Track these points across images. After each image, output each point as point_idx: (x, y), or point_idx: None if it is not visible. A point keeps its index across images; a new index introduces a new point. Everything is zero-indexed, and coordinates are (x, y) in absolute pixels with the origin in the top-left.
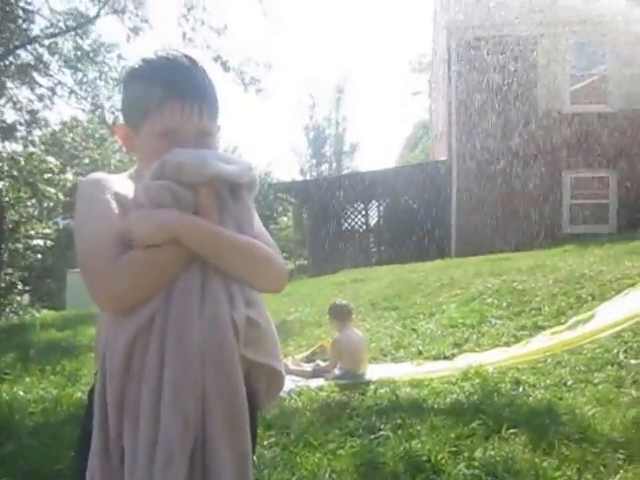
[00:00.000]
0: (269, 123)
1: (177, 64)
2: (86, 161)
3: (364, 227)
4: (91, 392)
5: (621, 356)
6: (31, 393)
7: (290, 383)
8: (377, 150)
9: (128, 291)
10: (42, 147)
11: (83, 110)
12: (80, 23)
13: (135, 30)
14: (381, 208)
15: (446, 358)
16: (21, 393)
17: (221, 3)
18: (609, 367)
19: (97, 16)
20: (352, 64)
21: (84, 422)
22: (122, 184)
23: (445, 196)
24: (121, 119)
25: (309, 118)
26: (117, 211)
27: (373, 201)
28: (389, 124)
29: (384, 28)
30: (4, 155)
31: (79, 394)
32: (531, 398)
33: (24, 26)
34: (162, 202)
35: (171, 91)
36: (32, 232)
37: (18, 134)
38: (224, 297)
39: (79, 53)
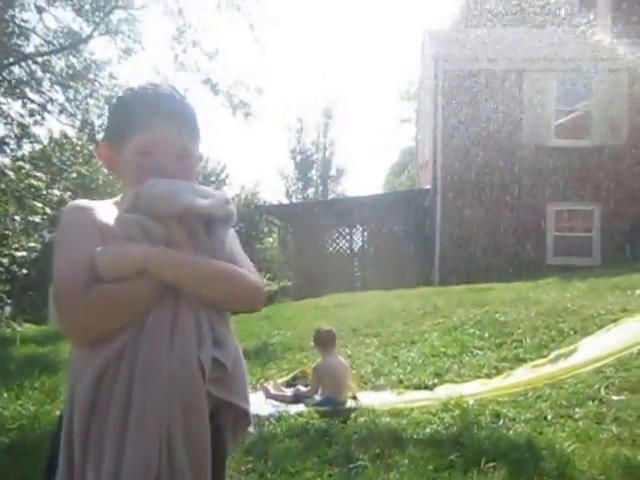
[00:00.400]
0: (257, 145)
1: (160, 90)
2: (74, 175)
3: (348, 251)
4: (59, 421)
5: (602, 392)
6: (8, 409)
7: (270, 408)
8: (363, 175)
9: (95, 324)
10: (31, 162)
11: (73, 126)
12: (73, 42)
13: (127, 51)
14: (365, 233)
15: (427, 388)
16: None
17: (213, 27)
18: (590, 402)
19: (90, 36)
20: (341, 90)
21: (50, 454)
22: (106, 212)
23: (429, 224)
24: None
25: (297, 142)
26: (95, 242)
27: (358, 226)
28: (376, 150)
29: (374, 55)
30: None
31: (57, 412)
32: (511, 431)
33: (19, 42)
34: (132, 235)
35: (153, 112)
36: (17, 245)
37: (8, 148)
38: (194, 335)
39: (71, 71)
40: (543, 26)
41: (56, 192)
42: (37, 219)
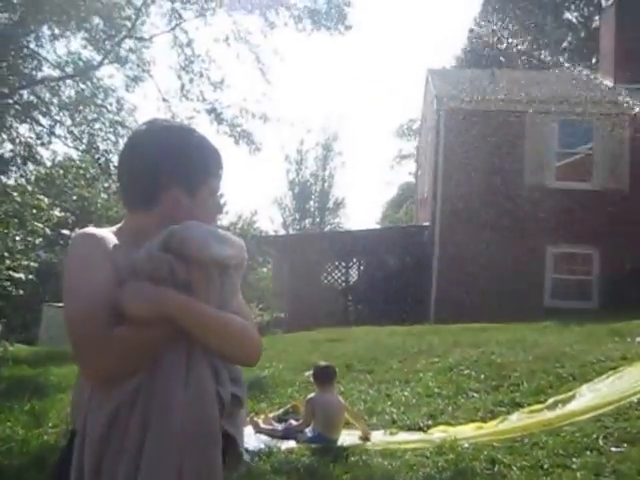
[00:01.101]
0: (255, 174)
1: (203, 135)
2: (74, 198)
3: (344, 284)
4: (67, 449)
5: (601, 442)
6: None
7: (259, 443)
8: (361, 208)
9: (116, 367)
10: (34, 183)
11: (77, 149)
12: (83, 69)
13: (135, 79)
14: (362, 267)
15: (420, 429)
16: None
17: (220, 58)
18: (588, 452)
19: (100, 64)
20: (342, 123)
21: (59, 467)
22: (119, 244)
23: (426, 261)
24: (114, 162)
25: (296, 173)
26: (111, 276)
27: (354, 259)
28: (374, 184)
29: (376, 90)
30: None
31: (46, 437)
32: (506, 479)
33: (30, 67)
34: (161, 276)
35: (218, 156)
36: (15, 264)
37: (13, 169)
38: (209, 371)
39: (79, 97)
40: (545, 68)
41: (57, 213)
42: (37, 240)
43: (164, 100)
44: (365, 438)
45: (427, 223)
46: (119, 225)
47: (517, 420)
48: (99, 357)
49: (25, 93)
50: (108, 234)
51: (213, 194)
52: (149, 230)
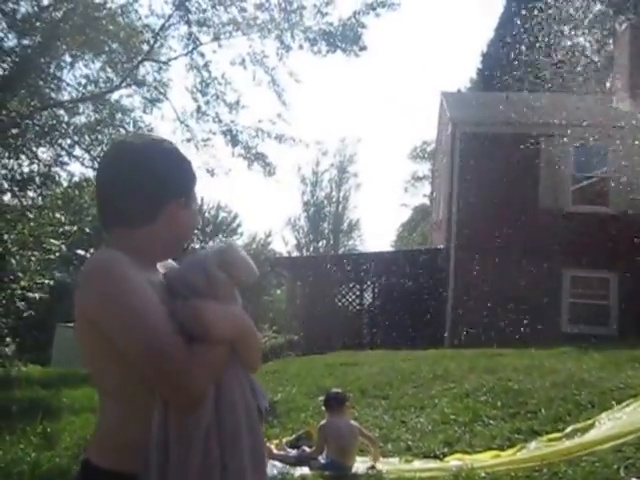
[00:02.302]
0: (270, 195)
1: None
2: (89, 218)
3: (358, 307)
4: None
5: (622, 472)
6: (10, 453)
7: (272, 469)
8: (375, 230)
9: (204, 389)
10: (50, 202)
11: (93, 168)
12: (101, 92)
13: (153, 101)
14: (376, 290)
15: (436, 457)
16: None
17: (236, 80)
18: None
19: (119, 86)
20: (357, 145)
21: None
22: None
23: (441, 284)
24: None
25: (310, 195)
26: (157, 298)
27: (368, 282)
28: (389, 206)
29: (390, 113)
30: (15, 207)
31: (57, 459)
32: None
33: (50, 89)
34: (216, 295)
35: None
36: (29, 284)
37: (31, 189)
38: (248, 385)
39: (98, 116)
40: (561, 91)
41: (73, 229)
42: (52, 257)
43: (181, 122)
44: (373, 464)
45: (442, 246)
46: (115, 248)
47: (535, 449)
48: (193, 378)
49: (45, 115)
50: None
51: (196, 198)
52: (150, 243)
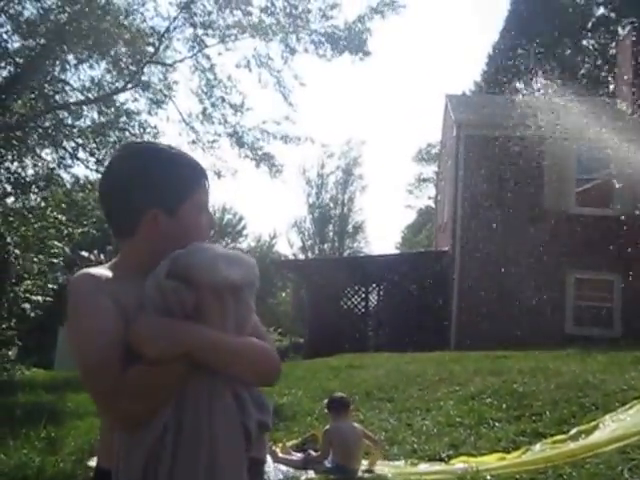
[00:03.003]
0: (275, 197)
1: (178, 148)
2: (94, 220)
3: (363, 310)
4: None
5: (626, 474)
6: (13, 458)
7: (278, 473)
8: (380, 232)
9: (136, 410)
10: (53, 205)
11: (97, 171)
12: (106, 94)
13: (158, 103)
14: (381, 292)
15: (441, 460)
16: (2, 456)
17: (241, 82)
18: None
19: (124, 89)
20: (362, 148)
21: None
22: (120, 280)
23: (446, 286)
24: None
25: (316, 197)
26: (117, 316)
27: (374, 284)
28: (394, 208)
29: (396, 115)
30: (18, 209)
31: (62, 464)
32: None
33: (55, 91)
34: (170, 305)
35: (201, 170)
36: (33, 287)
37: (34, 191)
38: (233, 402)
39: (103, 119)
40: (565, 94)
41: (77, 231)
42: (55, 260)
43: (186, 124)
44: (369, 470)
45: (447, 248)
46: (114, 260)
47: (540, 451)
48: (117, 403)
49: (48, 118)
50: (105, 271)
51: (201, 208)
52: (135, 255)
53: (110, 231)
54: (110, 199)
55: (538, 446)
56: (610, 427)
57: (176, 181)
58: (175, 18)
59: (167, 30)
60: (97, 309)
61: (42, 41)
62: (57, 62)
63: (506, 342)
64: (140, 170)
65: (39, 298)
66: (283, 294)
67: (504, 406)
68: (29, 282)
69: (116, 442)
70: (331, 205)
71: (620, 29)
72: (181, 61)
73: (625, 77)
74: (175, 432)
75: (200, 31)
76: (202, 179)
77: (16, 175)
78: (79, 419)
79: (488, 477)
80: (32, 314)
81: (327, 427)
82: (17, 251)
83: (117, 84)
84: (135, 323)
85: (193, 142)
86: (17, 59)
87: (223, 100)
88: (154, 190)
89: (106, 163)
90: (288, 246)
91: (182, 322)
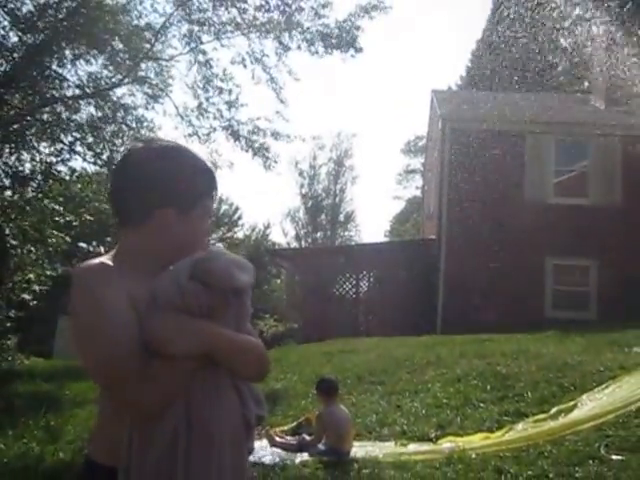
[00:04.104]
0: (270, 188)
1: (202, 157)
2: (92, 212)
3: (354, 296)
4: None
5: (602, 450)
6: (13, 448)
7: (274, 457)
8: (370, 221)
9: (156, 403)
10: (51, 197)
11: (95, 164)
12: (102, 89)
13: (155, 98)
14: (371, 279)
15: (430, 440)
16: (2, 446)
17: (236, 78)
18: (590, 462)
19: (120, 84)
20: (353, 140)
21: None
22: (123, 272)
23: (433, 273)
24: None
25: (308, 188)
26: (129, 309)
27: (364, 272)
28: (383, 198)
29: (385, 108)
30: (16, 202)
31: (61, 453)
32: None
33: (52, 86)
34: (191, 307)
35: (212, 177)
36: (32, 276)
37: (32, 185)
38: (235, 395)
39: (100, 113)
40: (543, 91)
41: (75, 222)
42: (52, 249)
43: (182, 118)
44: None
45: (433, 237)
46: (116, 250)
47: (522, 430)
48: (139, 394)
49: (46, 112)
50: (112, 262)
51: (208, 214)
52: (138, 247)
53: (114, 219)
54: (128, 187)
55: (520, 425)
56: (587, 406)
57: (194, 185)
58: (171, 15)
59: (163, 26)
60: (114, 301)
61: (40, 36)
62: (54, 57)
63: (489, 326)
64: (164, 168)
65: (37, 288)
66: (277, 281)
67: (488, 387)
68: (28, 272)
69: (126, 439)
70: (323, 195)
71: (595, 28)
72: (176, 58)
73: (599, 74)
74: (187, 427)
75: (196, 27)
76: (214, 188)
77: (14, 169)
78: (78, 407)
79: (473, 456)
80: (31, 304)
81: (320, 412)
82: (15, 242)
83: (114, 79)
84: (155, 319)
85: (190, 135)
86: (15, 54)
87: (221, 92)
88: (174, 189)
89: (128, 151)
90: (282, 235)
91: (204, 322)
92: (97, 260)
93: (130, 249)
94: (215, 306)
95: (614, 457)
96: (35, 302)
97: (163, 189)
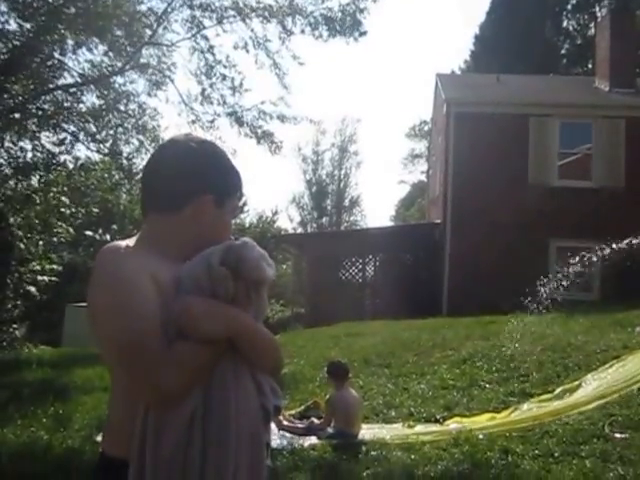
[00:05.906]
0: (275, 174)
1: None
2: (97, 200)
3: (360, 280)
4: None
5: (607, 429)
6: (21, 437)
7: (283, 440)
8: (375, 206)
9: (178, 385)
10: (56, 187)
11: (99, 152)
12: (105, 76)
13: (157, 84)
14: (377, 263)
15: (437, 421)
16: (10, 435)
17: (239, 63)
18: (595, 440)
19: (122, 71)
20: (357, 125)
21: None
22: (150, 256)
23: (439, 256)
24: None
25: (313, 173)
26: (154, 292)
27: (370, 256)
28: (388, 182)
29: (389, 93)
30: (20, 191)
31: (69, 441)
32: (520, 469)
33: (53, 74)
34: (219, 291)
35: (242, 182)
36: (38, 267)
37: (35, 174)
38: (253, 385)
39: (102, 101)
40: (548, 72)
41: (81, 212)
42: (61, 239)
43: (185, 104)
44: None
45: (439, 220)
46: (138, 235)
47: (528, 410)
48: (161, 375)
49: (47, 100)
50: (136, 246)
51: (234, 212)
52: (168, 233)
53: (141, 204)
54: (170, 173)
55: (526, 405)
56: (592, 385)
57: (230, 178)
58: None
59: (165, 11)
60: (139, 284)
61: (40, 23)
62: (55, 44)
63: (494, 307)
64: (206, 156)
65: (45, 278)
66: (284, 266)
67: (494, 368)
68: (34, 263)
69: (140, 425)
70: (328, 181)
71: (598, 11)
72: (178, 44)
73: (603, 57)
74: (204, 414)
75: (198, 12)
76: (241, 188)
77: (16, 159)
78: (86, 394)
79: (480, 436)
80: (38, 295)
81: (330, 396)
82: (20, 232)
83: (116, 66)
84: (183, 300)
85: (193, 122)
86: (14, 41)
87: (225, 78)
88: (214, 177)
89: (171, 139)
90: (288, 221)
91: (231, 307)
92: (123, 242)
93: (159, 235)
94: (238, 295)
95: (618, 435)
96: (41, 294)
97: (205, 176)
